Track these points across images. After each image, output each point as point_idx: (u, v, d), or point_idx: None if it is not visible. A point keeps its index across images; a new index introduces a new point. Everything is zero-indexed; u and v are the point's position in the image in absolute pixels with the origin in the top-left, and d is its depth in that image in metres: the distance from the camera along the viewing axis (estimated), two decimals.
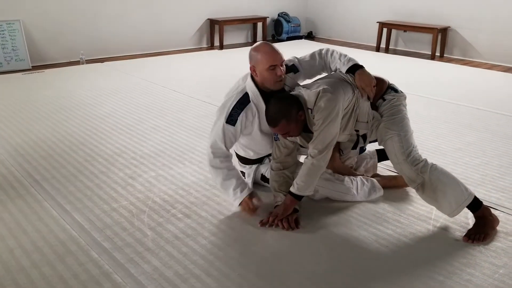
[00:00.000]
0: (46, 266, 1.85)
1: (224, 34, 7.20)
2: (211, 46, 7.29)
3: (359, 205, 2.33)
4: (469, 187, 2.50)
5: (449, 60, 6.29)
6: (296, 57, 2.38)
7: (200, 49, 7.09)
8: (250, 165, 2.46)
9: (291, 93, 2.19)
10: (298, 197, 2.14)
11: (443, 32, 6.44)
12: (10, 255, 1.92)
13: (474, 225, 2.11)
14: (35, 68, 5.58)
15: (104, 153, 2.98)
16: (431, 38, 6.46)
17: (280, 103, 2.08)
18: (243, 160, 2.47)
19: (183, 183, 2.57)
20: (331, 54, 2.34)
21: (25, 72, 5.35)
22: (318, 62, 2.34)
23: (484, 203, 2.33)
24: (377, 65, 5.90)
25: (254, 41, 7.81)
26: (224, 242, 2.03)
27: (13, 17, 5.49)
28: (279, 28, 7.92)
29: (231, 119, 2.16)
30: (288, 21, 7.86)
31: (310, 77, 2.39)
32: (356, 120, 2.22)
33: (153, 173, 2.70)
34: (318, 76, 2.37)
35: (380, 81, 2.31)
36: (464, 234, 2.08)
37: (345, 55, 2.29)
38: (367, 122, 2.25)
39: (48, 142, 3.16)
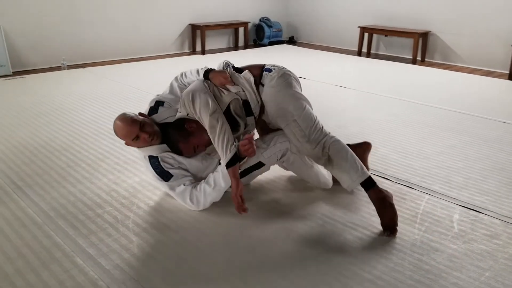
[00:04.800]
0: (31, 273, 1.81)
1: (206, 39, 7.20)
2: (193, 51, 7.28)
3: (343, 210, 2.35)
4: (453, 190, 2.56)
5: (431, 65, 6.39)
6: (158, 95, 2.51)
7: (182, 54, 7.07)
8: None
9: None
10: (231, 163, 2.14)
11: (424, 36, 6.55)
12: None
13: (379, 215, 2.18)
14: (16, 73, 5.49)
15: (87, 159, 2.94)
16: (412, 43, 6.56)
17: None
18: None
19: None
20: (185, 76, 2.47)
21: (5, 78, 5.25)
22: (180, 90, 2.46)
23: (468, 206, 2.39)
24: (359, 69, 5.98)
25: (236, 46, 7.84)
26: (210, 247, 2.02)
27: None
28: (261, 33, 7.95)
29: (163, 176, 2.29)
30: (269, 26, 7.90)
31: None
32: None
33: (137, 178, 2.67)
34: None
35: (252, 68, 2.42)
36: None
37: (196, 69, 2.42)
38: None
39: (30, 148, 3.10)
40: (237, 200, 2.15)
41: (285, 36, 8.38)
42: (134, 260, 1.91)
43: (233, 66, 2.46)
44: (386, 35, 7.00)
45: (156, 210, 2.32)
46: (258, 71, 2.39)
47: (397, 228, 2.15)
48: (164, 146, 2.34)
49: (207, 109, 2.17)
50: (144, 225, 2.18)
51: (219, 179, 2.24)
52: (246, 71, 2.40)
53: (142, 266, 1.87)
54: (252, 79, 2.36)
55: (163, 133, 2.32)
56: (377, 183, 2.22)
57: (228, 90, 2.31)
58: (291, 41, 8.37)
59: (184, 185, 2.28)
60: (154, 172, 2.31)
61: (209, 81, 2.33)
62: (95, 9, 6.17)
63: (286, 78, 2.36)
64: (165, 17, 6.93)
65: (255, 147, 2.17)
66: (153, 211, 2.31)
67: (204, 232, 2.13)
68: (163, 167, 2.29)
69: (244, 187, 2.34)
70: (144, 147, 2.32)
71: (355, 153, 2.44)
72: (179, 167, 2.32)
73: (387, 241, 2.08)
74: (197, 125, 2.26)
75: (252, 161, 2.31)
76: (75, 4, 5.97)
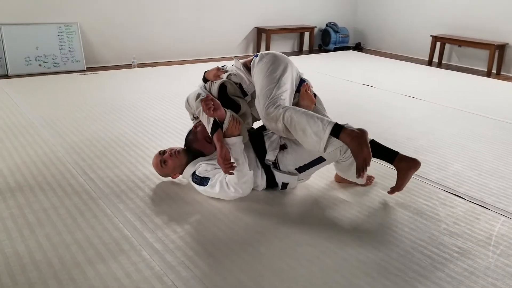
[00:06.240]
0: (101, 264, 1.88)
1: (270, 43, 7.23)
2: None
3: (411, 226, 2.26)
4: None
5: (507, 78, 6.05)
6: None
7: (247, 56, 7.12)
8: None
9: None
10: (214, 130, 2.30)
11: (501, 48, 6.22)
12: (66, 250, 1.96)
13: (353, 157, 2.23)
14: (89, 69, 5.77)
15: None
16: (487, 55, 6.25)
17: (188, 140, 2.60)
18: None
19: None
20: None
21: (80, 73, 5.54)
22: None
23: None
24: (430, 79, 5.76)
25: (300, 50, 7.81)
26: (271, 253, 2.00)
27: (71, 20, 5.71)
28: (327, 38, 7.87)
29: (202, 182, 2.41)
30: (336, 31, 7.80)
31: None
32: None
33: None
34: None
35: (246, 60, 2.64)
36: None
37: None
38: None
39: (102, 142, 3.24)
40: (222, 162, 2.24)
41: (351, 42, 8.25)
42: (199, 259, 1.93)
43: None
44: (459, 46, 6.71)
45: (221, 212, 2.33)
46: (249, 60, 2.62)
47: (368, 168, 2.20)
48: (194, 161, 2.51)
49: (194, 98, 2.45)
50: (209, 224, 2.21)
51: (232, 153, 2.31)
52: (236, 60, 2.66)
53: (206, 264, 1.89)
54: (240, 64, 2.59)
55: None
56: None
57: (220, 78, 2.56)
58: (358, 47, 8.23)
59: (219, 181, 2.36)
60: (196, 185, 2.44)
61: (206, 83, 2.63)
62: (165, 10, 6.37)
63: (266, 60, 2.48)
64: (232, 19, 7.03)
65: (208, 106, 2.26)
66: (218, 213, 2.32)
67: (265, 235, 2.12)
68: (199, 175, 2.42)
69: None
70: (179, 168, 2.52)
71: (399, 165, 2.39)
72: (215, 168, 2.43)
73: (459, 261, 1.98)
74: (201, 122, 2.46)
75: (314, 155, 2.40)
76: (146, 5, 6.20)
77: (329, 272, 1.88)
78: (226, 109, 2.36)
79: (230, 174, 2.28)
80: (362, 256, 1.99)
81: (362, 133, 2.22)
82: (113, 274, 1.81)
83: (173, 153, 2.51)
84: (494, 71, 6.30)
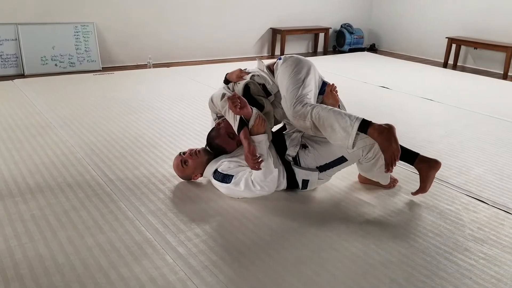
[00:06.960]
0: (124, 267, 1.87)
1: (285, 43, 7.20)
2: (272, 55, 7.31)
3: (438, 232, 2.22)
4: None
5: None
6: None
7: (261, 57, 7.10)
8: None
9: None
10: (240, 127, 2.34)
11: None
12: (88, 253, 1.96)
13: (382, 151, 2.24)
14: (105, 69, 5.79)
15: (174, 157, 3.00)
16: (504, 57, 6.17)
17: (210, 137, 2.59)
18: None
19: None
20: None
21: (96, 73, 5.56)
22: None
23: None
24: (446, 82, 5.70)
25: (315, 51, 7.77)
26: (295, 258, 1.98)
27: (87, 20, 5.73)
28: (341, 39, 7.83)
29: (225, 180, 2.40)
30: (351, 33, 7.76)
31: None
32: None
33: None
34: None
35: (260, 58, 2.76)
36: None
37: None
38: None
39: (120, 143, 3.24)
40: (250, 158, 2.27)
41: (366, 44, 8.20)
42: (223, 264, 1.91)
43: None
44: (475, 48, 6.63)
45: (243, 215, 2.32)
46: (272, 62, 2.68)
47: (396, 164, 2.22)
48: (216, 159, 2.51)
49: (219, 97, 2.47)
50: (232, 228, 2.19)
51: (259, 150, 2.33)
52: (259, 61, 2.73)
53: (231, 269, 1.87)
54: (263, 66, 2.65)
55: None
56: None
57: (244, 79, 2.60)
58: (372, 48, 8.18)
59: (244, 178, 2.36)
60: (218, 182, 2.43)
61: (227, 85, 2.68)
62: (181, 10, 6.37)
63: (290, 63, 2.52)
64: (247, 20, 7.02)
65: (235, 104, 2.29)
66: (239, 215, 2.31)
67: (289, 239, 2.10)
68: (222, 172, 2.42)
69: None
70: (200, 167, 2.52)
71: (420, 166, 2.41)
72: (238, 166, 2.43)
73: (486, 268, 1.94)
74: (224, 119, 2.51)
75: (336, 154, 2.41)
76: (162, 5, 6.20)
77: (354, 277, 1.86)
78: (252, 107, 2.39)
79: (257, 170, 2.30)
80: (387, 262, 1.97)
81: (390, 128, 2.24)
82: (137, 279, 1.80)
83: (194, 152, 2.52)
84: (510, 73, 6.22)
